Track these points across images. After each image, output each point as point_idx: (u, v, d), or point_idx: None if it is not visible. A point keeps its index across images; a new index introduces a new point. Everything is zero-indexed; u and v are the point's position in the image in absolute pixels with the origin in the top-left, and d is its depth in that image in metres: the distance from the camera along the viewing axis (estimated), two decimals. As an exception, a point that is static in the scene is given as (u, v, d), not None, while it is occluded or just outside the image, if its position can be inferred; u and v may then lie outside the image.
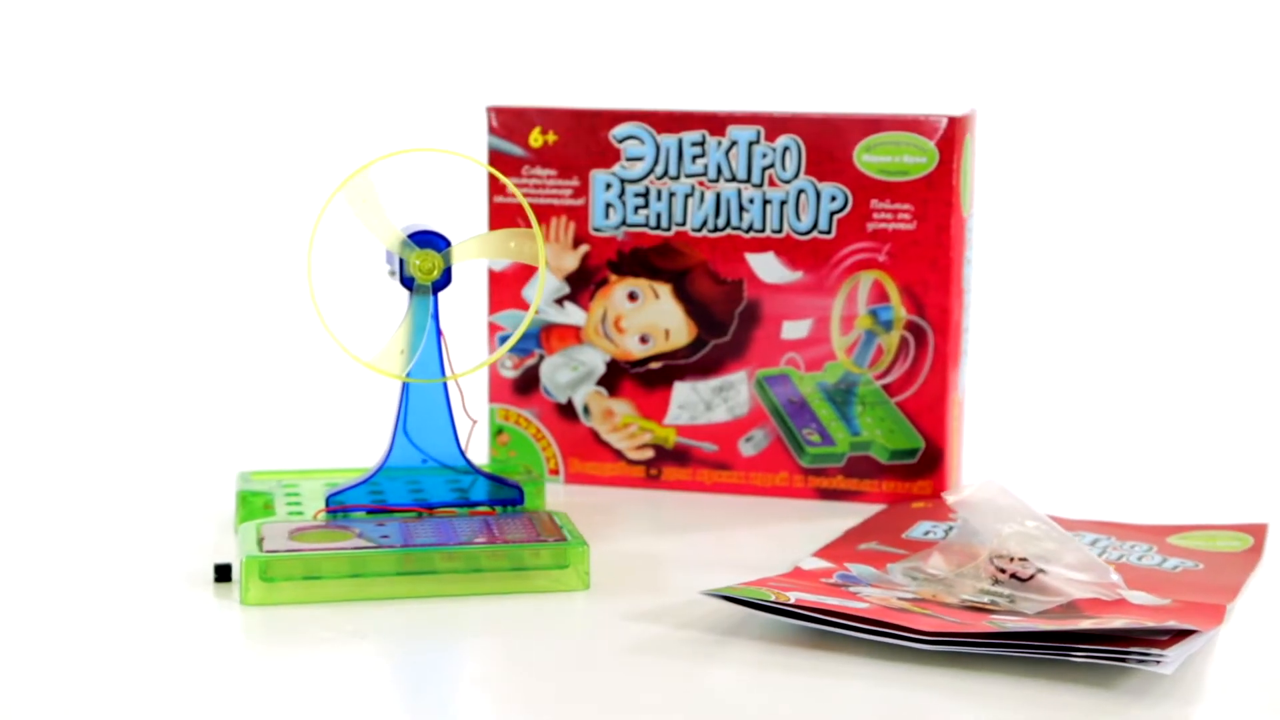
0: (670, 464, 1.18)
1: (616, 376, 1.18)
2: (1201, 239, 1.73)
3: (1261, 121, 1.71)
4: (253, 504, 1.06)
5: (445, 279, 1.01)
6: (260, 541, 0.97)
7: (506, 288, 1.19)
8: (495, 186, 1.18)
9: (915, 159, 1.13)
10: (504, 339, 1.18)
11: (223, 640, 0.92)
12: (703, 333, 1.17)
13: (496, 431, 1.20)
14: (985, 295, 1.22)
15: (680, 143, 1.15)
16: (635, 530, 1.11)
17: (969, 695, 0.83)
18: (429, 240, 1.01)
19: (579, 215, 1.18)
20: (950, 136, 1.12)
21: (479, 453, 1.18)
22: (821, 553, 1.03)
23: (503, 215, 1.18)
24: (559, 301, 1.19)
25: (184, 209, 1.80)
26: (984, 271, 1.19)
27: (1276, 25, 1.68)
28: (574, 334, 1.19)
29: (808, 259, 1.15)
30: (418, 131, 1.66)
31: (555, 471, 1.20)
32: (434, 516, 1.02)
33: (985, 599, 0.94)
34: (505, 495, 1.05)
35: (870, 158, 1.13)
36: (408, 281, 1.01)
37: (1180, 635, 0.86)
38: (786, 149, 1.14)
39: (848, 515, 1.13)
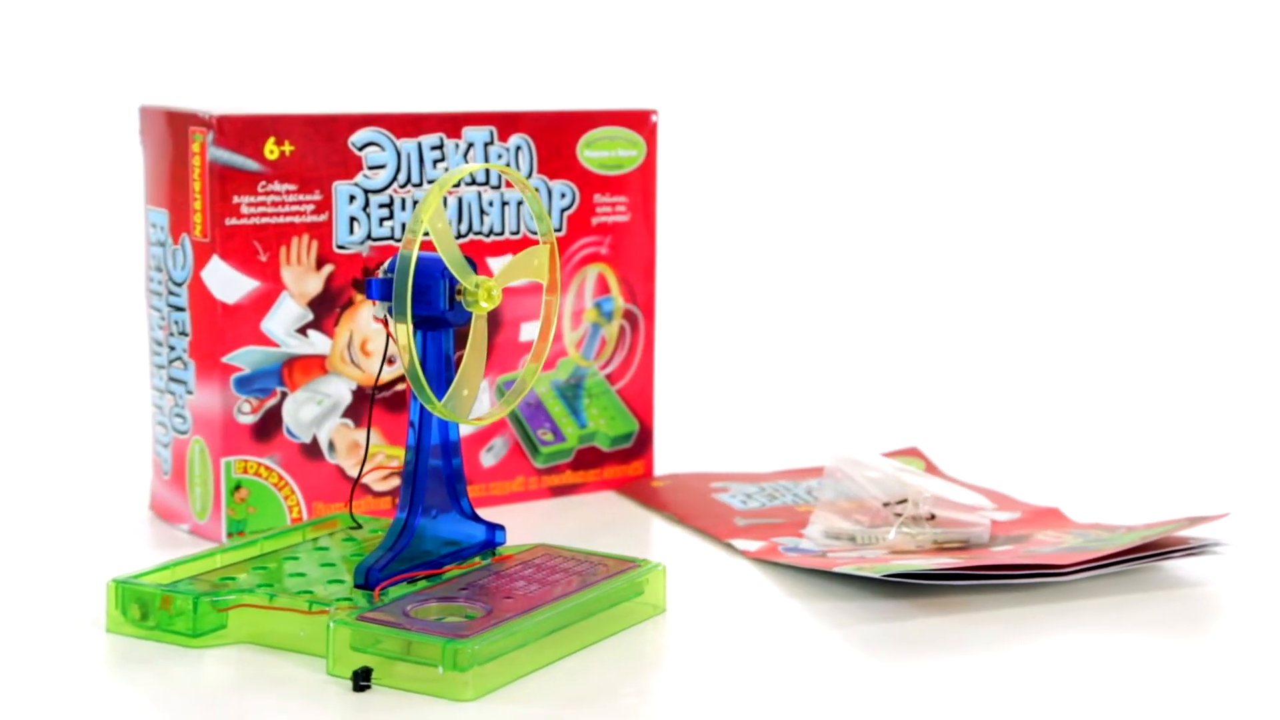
0: (415, 489, 1.11)
1: (362, 405, 1.08)
2: (845, 211, 1.78)
3: (941, 88, 1.78)
4: (204, 609, 0.87)
5: (474, 309, 0.90)
6: (409, 634, 0.82)
7: (242, 322, 1.04)
8: (228, 208, 1.02)
9: (628, 152, 1.16)
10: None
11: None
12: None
13: (234, 487, 1.05)
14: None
15: (420, 147, 1.08)
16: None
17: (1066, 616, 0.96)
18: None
19: (322, 232, 1.06)
20: (654, 129, 1.17)
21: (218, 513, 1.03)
22: (731, 536, 1.07)
23: (238, 237, 1.03)
24: (301, 331, 1.06)
25: None
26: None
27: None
28: (319, 365, 1.07)
29: (543, 258, 1.13)
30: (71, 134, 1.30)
31: (299, 520, 1.07)
32: (474, 569, 0.92)
33: (947, 540, 1.05)
34: (493, 538, 0.96)
35: (591, 153, 1.14)
36: (455, 313, 0.88)
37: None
38: (519, 148, 1.12)
39: (584, 508, 1.15)
